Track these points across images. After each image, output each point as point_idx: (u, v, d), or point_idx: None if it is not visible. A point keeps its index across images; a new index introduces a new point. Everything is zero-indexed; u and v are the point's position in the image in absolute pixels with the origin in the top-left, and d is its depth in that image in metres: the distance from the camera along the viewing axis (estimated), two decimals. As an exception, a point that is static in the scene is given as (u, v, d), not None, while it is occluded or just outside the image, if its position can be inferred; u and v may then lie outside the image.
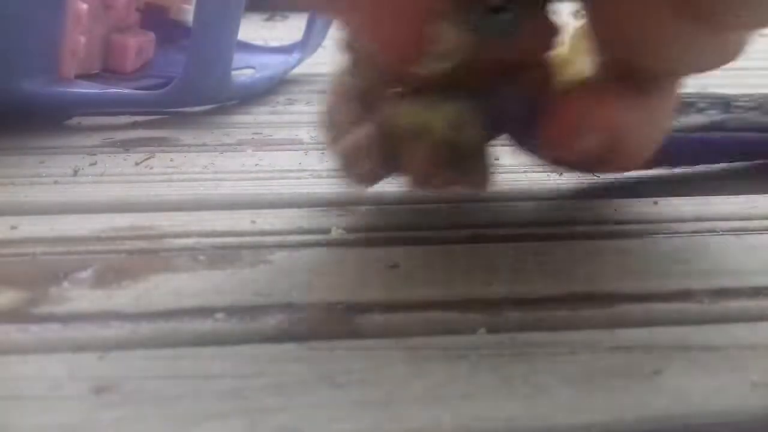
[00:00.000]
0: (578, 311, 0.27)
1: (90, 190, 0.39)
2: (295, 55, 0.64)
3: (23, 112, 0.48)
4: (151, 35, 0.59)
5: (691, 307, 0.28)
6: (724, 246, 0.33)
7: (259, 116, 0.54)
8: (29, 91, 0.47)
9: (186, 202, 0.37)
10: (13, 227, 0.34)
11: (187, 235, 0.33)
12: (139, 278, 0.29)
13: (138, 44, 0.56)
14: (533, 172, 0.42)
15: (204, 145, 0.46)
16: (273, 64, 0.62)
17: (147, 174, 0.41)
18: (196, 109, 0.54)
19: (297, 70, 0.67)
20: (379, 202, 0.38)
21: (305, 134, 0.49)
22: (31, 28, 0.46)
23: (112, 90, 0.49)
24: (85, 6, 0.48)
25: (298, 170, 0.42)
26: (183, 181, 0.40)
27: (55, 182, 0.39)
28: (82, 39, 0.49)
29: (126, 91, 0.50)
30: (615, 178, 0.41)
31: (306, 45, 0.65)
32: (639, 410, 0.22)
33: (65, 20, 0.47)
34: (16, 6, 0.45)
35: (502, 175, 0.42)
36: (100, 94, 0.49)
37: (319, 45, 0.70)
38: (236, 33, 0.50)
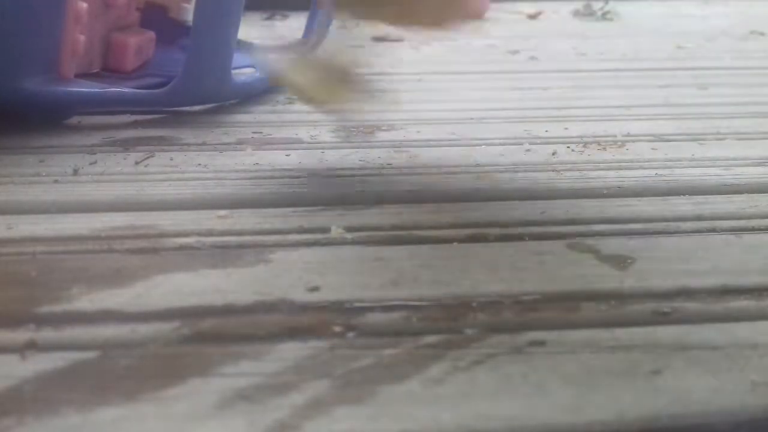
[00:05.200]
0: (578, 311, 0.27)
1: (90, 189, 0.39)
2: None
3: (23, 111, 0.48)
4: (151, 34, 0.59)
5: (691, 306, 0.28)
6: (724, 245, 0.33)
7: (259, 115, 0.54)
8: (29, 90, 0.47)
9: (186, 201, 0.37)
10: (13, 226, 0.34)
11: (187, 234, 0.33)
12: (138, 277, 0.29)
13: (138, 43, 0.56)
14: (533, 171, 0.42)
15: (204, 144, 0.46)
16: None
17: (147, 173, 0.41)
18: (196, 108, 0.54)
19: (297, 70, 0.67)
20: (379, 202, 0.38)
21: (305, 133, 0.49)
22: (31, 27, 0.46)
23: (113, 89, 0.49)
24: (85, 5, 0.48)
25: (298, 169, 0.42)
26: (183, 180, 0.40)
27: (55, 181, 0.39)
28: (82, 38, 0.49)
29: (126, 90, 0.50)
30: (614, 179, 0.41)
31: (306, 44, 0.65)
32: (639, 409, 0.22)
33: (65, 19, 0.47)
34: (16, 6, 0.45)
35: (502, 174, 0.42)
36: (101, 93, 0.49)
37: (319, 44, 0.70)
38: (236, 32, 0.50)
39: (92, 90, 0.49)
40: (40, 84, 0.47)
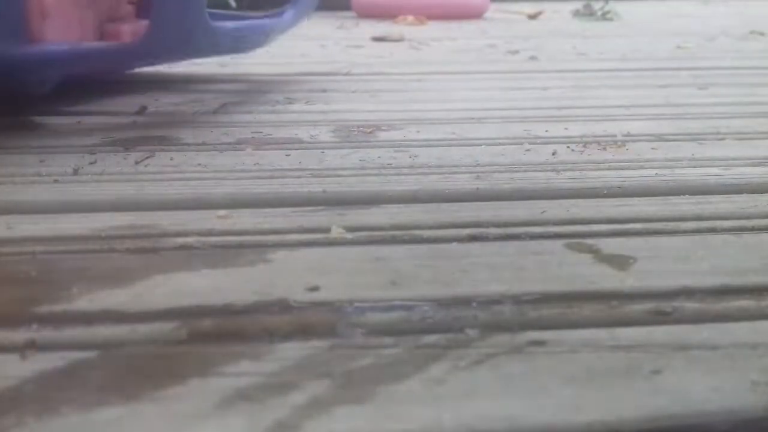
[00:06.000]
0: (578, 310, 0.27)
1: (90, 189, 0.39)
2: (287, 16, 0.63)
3: None
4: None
5: (691, 306, 0.28)
6: (724, 245, 0.33)
7: (258, 115, 0.54)
8: None
9: (186, 201, 0.37)
10: (13, 226, 0.34)
11: (187, 233, 0.33)
12: (138, 277, 0.29)
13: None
14: (533, 171, 0.42)
15: (203, 143, 0.46)
16: (264, 22, 0.61)
17: (147, 173, 0.41)
18: (196, 108, 0.54)
19: (296, 70, 0.67)
20: (379, 202, 0.38)
21: (305, 133, 0.49)
22: None
23: (83, 45, 0.48)
24: None
25: (298, 169, 0.42)
26: (183, 179, 0.40)
27: (55, 181, 0.39)
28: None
29: (96, 45, 0.49)
30: (615, 179, 0.41)
31: (296, 6, 0.64)
32: (639, 409, 0.22)
33: None
34: None
35: (502, 174, 0.42)
36: (69, 51, 0.48)
37: (311, 7, 0.68)
38: None
39: (61, 48, 0.48)
40: (7, 46, 0.46)
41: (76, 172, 0.41)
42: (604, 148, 0.46)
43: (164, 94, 0.60)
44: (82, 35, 0.51)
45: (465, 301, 0.28)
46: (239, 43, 0.56)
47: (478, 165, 0.43)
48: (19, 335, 0.25)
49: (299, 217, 0.35)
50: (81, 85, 0.58)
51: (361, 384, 0.23)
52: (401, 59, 0.84)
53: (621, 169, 0.43)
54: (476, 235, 0.34)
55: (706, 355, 0.25)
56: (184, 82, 0.65)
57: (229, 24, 0.55)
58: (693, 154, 0.45)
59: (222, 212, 0.35)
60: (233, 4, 1.29)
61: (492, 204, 0.37)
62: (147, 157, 0.43)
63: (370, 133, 0.49)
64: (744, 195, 0.39)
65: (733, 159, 0.44)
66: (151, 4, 0.48)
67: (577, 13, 1.25)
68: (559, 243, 0.33)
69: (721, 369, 0.24)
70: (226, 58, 0.72)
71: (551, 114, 0.55)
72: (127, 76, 0.65)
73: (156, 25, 0.47)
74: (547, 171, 0.42)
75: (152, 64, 0.52)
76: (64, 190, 0.38)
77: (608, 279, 0.30)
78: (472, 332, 0.26)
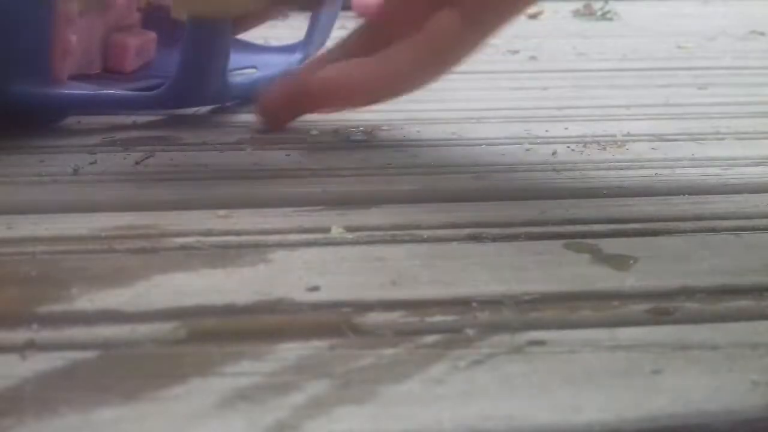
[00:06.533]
0: (578, 310, 0.27)
1: (90, 189, 0.39)
2: (298, 55, 0.64)
3: (14, 114, 0.48)
4: (153, 35, 0.59)
5: (691, 306, 0.28)
6: (724, 245, 0.33)
7: (259, 115, 0.54)
8: (19, 92, 0.46)
9: (186, 201, 0.37)
10: (13, 226, 0.34)
11: (187, 233, 0.33)
12: (138, 277, 0.29)
13: (138, 44, 0.56)
14: (533, 171, 0.42)
15: (204, 143, 0.46)
16: (275, 63, 0.62)
17: (147, 173, 0.41)
18: (196, 108, 0.54)
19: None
20: (379, 202, 0.38)
21: (305, 133, 0.49)
22: (17, 28, 0.45)
23: (105, 92, 0.49)
24: (75, 5, 0.48)
25: (298, 169, 0.42)
26: (183, 180, 0.40)
27: (55, 181, 0.39)
28: (74, 39, 0.48)
29: (118, 92, 0.50)
30: (615, 179, 0.41)
31: (308, 44, 0.64)
32: (639, 409, 0.22)
33: (54, 20, 0.47)
34: (1, 6, 0.44)
35: (502, 174, 0.42)
36: (93, 96, 0.48)
37: (322, 45, 0.69)
38: (230, 33, 0.50)
39: (83, 92, 0.48)
40: (31, 86, 0.47)
41: (76, 172, 0.41)
42: (604, 148, 0.46)
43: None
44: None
45: (465, 301, 0.28)
46: (252, 92, 0.57)
47: (478, 165, 0.43)
48: (19, 335, 0.25)
49: (299, 217, 0.35)
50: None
51: (361, 384, 0.23)
52: (401, 59, 0.84)
53: (621, 169, 0.43)
54: (476, 235, 0.34)
55: (706, 355, 0.25)
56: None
57: (244, 79, 0.57)
58: (693, 154, 0.45)
59: (222, 212, 0.35)
60: None
61: (492, 204, 0.37)
62: (147, 157, 0.43)
63: (370, 133, 0.49)
64: (744, 195, 0.39)
65: (733, 159, 0.44)
66: (180, 41, 0.49)
67: (577, 13, 1.24)
68: (559, 243, 0.33)
69: (721, 369, 0.24)
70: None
71: (551, 114, 0.55)
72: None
73: (178, 82, 0.48)
74: (547, 171, 0.42)
75: (168, 110, 0.53)
76: (64, 190, 0.38)
77: (608, 279, 0.30)
78: (472, 332, 0.26)
